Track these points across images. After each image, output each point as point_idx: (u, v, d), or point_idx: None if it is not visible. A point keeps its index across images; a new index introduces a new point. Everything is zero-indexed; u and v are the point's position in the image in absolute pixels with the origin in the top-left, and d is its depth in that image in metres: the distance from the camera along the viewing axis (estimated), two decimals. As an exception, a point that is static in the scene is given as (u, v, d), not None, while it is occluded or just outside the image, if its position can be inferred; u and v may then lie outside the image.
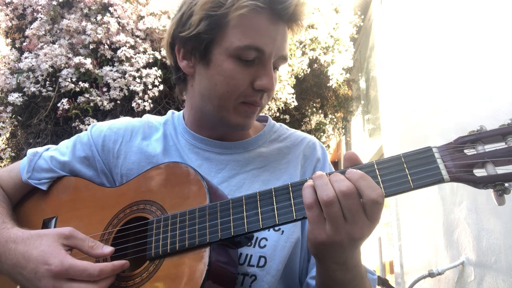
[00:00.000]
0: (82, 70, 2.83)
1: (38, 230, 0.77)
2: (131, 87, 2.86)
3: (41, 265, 0.69)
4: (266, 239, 0.83)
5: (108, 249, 0.75)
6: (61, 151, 0.96)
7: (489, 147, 0.59)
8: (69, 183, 0.94)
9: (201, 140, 0.93)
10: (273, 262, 0.82)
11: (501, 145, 0.59)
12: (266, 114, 3.30)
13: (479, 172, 0.59)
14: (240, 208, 0.71)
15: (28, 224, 0.89)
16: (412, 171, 0.62)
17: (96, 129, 0.98)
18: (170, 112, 1.03)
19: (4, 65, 3.05)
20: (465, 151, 0.61)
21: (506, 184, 0.57)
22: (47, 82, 2.88)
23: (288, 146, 0.96)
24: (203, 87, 0.86)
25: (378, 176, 0.64)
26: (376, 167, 0.65)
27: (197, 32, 0.82)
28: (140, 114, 2.85)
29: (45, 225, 0.91)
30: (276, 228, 0.84)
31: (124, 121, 1.00)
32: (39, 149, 0.98)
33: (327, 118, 4.03)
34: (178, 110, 1.06)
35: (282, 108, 3.44)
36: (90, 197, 0.89)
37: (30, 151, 0.96)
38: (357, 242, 0.64)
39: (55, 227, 0.89)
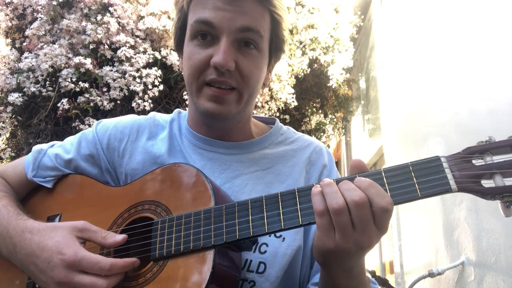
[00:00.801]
0: (82, 70, 2.83)
1: (53, 222, 0.79)
2: (131, 87, 2.86)
3: (55, 254, 0.70)
4: (267, 245, 0.82)
5: (120, 237, 0.75)
6: (66, 149, 0.96)
7: (498, 158, 0.60)
8: (74, 181, 0.94)
9: (204, 140, 0.92)
10: (273, 269, 0.81)
11: (509, 157, 0.59)
12: (266, 114, 3.30)
13: (487, 183, 0.59)
14: (246, 211, 0.71)
15: None
16: (420, 180, 0.62)
17: (101, 126, 0.97)
18: (176, 111, 1.02)
19: (4, 65, 3.04)
20: (473, 161, 0.61)
21: None
22: (47, 82, 2.88)
23: (294, 150, 0.94)
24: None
25: (386, 184, 0.64)
26: (383, 175, 0.64)
27: (175, 29, 0.89)
28: (140, 114, 2.84)
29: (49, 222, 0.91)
30: (278, 234, 0.84)
31: (130, 119, 0.99)
32: (44, 146, 0.97)
33: (327, 118, 4.03)
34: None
35: (282, 108, 3.44)
36: (95, 196, 0.89)
37: (35, 148, 0.96)
38: (365, 251, 0.64)
39: None
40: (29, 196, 0.97)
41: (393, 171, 0.64)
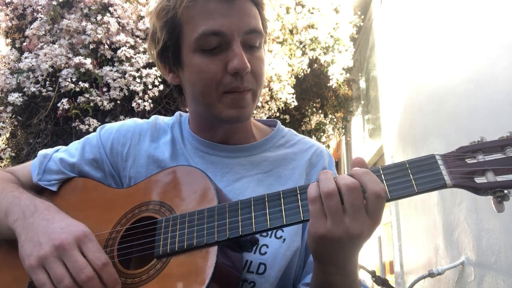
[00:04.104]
0: (82, 70, 2.83)
1: None
2: (131, 87, 2.86)
3: (72, 226, 0.74)
4: (267, 246, 0.83)
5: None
6: (70, 153, 0.97)
7: (489, 157, 0.62)
8: (77, 184, 0.95)
9: (207, 144, 0.93)
10: (273, 270, 0.82)
11: (500, 155, 0.62)
12: (266, 114, 3.30)
13: (479, 180, 0.61)
14: (249, 209, 0.72)
15: None
16: (416, 176, 0.65)
17: (105, 131, 0.98)
18: (177, 114, 1.03)
19: (4, 65, 3.05)
20: (466, 159, 0.64)
21: (506, 191, 0.59)
22: (47, 82, 2.88)
23: (295, 152, 0.95)
24: (189, 91, 0.87)
25: (384, 181, 0.66)
26: (381, 172, 0.67)
27: (163, 42, 0.84)
28: (140, 114, 2.85)
29: None
30: (278, 235, 0.84)
31: (132, 123, 1.00)
32: (49, 151, 0.99)
33: (327, 118, 4.03)
34: (178, 109, 1.07)
35: (282, 108, 3.45)
36: (99, 198, 0.90)
37: (41, 153, 0.97)
38: (356, 241, 0.64)
39: None
40: None
41: (391, 168, 0.67)
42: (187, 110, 0.99)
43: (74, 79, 2.84)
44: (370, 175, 0.64)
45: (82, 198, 0.92)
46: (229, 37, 0.78)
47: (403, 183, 0.65)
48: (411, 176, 0.65)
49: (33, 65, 2.88)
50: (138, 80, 2.87)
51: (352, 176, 0.64)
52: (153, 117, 1.02)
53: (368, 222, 0.63)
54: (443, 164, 0.64)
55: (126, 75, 2.86)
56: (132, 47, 2.97)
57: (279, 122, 1.02)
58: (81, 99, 2.82)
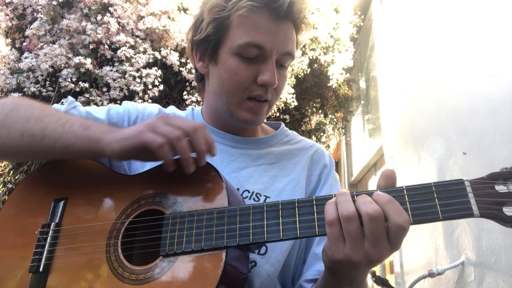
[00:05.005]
0: (82, 70, 2.83)
1: None
2: (131, 87, 2.86)
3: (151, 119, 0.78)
4: None
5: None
6: (96, 111, 0.98)
7: None
8: (84, 166, 0.92)
9: (217, 133, 0.98)
10: (273, 252, 0.85)
11: None
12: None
13: (509, 211, 0.59)
14: (261, 215, 0.70)
15: (36, 201, 0.89)
16: (442, 202, 0.62)
17: (131, 105, 1.01)
18: (190, 108, 1.09)
19: (4, 65, 3.04)
20: (496, 187, 0.61)
21: None
22: (47, 82, 2.88)
23: (298, 149, 1.02)
24: (214, 84, 0.92)
25: (407, 203, 0.63)
26: (405, 192, 0.64)
27: (206, 35, 0.89)
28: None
29: (54, 205, 0.88)
30: None
31: (155, 108, 1.03)
32: (77, 103, 0.99)
33: (327, 118, 4.03)
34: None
35: (282, 108, 3.45)
36: (105, 183, 0.88)
37: (71, 98, 0.99)
38: (374, 264, 0.64)
39: (64, 208, 0.87)
40: (39, 175, 0.95)
41: (415, 190, 0.64)
42: (202, 101, 1.04)
43: (74, 79, 2.84)
44: (394, 204, 0.61)
45: (88, 181, 0.89)
46: (268, 53, 0.86)
47: (428, 208, 0.62)
48: (436, 201, 0.62)
49: (33, 65, 2.88)
50: (138, 80, 2.87)
51: (374, 201, 0.62)
52: (171, 107, 1.08)
53: (388, 249, 0.62)
54: (471, 191, 0.61)
55: (126, 75, 2.86)
56: (132, 47, 2.97)
57: (283, 124, 1.09)
58: (81, 99, 2.82)
